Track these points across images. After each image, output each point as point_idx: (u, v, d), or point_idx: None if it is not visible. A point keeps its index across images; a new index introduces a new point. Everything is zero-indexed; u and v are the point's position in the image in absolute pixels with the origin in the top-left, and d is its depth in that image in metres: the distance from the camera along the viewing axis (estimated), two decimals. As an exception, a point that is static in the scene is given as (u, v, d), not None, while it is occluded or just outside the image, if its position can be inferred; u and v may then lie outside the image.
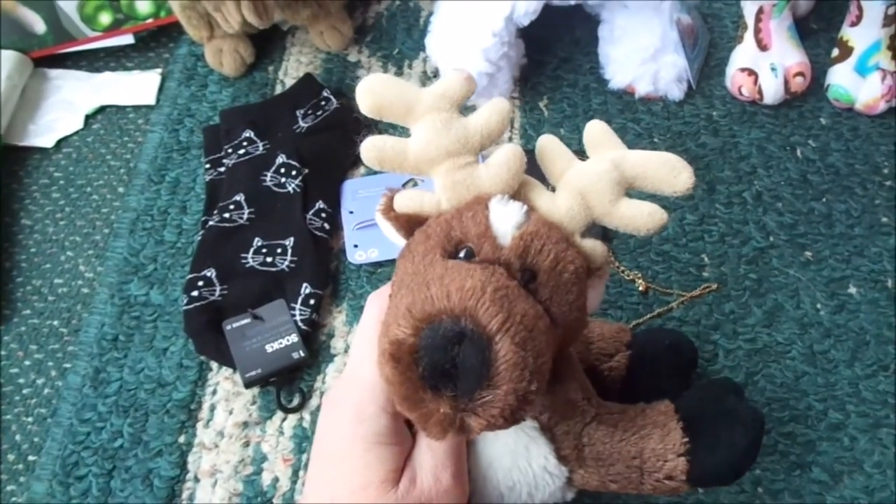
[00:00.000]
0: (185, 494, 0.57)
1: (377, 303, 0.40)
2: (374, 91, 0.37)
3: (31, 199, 0.76)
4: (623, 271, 0.68)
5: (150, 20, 0.86)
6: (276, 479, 0.58)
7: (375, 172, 0.75)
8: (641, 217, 0.37)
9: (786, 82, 0.77)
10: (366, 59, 0.86)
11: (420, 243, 0.36)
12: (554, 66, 0.84)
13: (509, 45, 0.75)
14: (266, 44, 0.87)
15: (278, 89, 0.84)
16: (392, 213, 0.38)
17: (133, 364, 0.64)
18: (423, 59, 0.85)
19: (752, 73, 0.77)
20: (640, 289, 0.67)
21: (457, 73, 0.38)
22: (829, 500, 0.55)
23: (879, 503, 0.55)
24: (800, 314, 0.65)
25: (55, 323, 0.68)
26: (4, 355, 0.66)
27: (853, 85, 0.76)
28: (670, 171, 0.38)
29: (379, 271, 0.69)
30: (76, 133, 0.81)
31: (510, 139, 0.77)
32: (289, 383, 0.62)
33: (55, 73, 0.86)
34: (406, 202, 0.38)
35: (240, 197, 0.71)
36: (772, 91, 0.77)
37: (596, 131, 0.40)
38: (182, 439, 0.60)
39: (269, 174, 0.73)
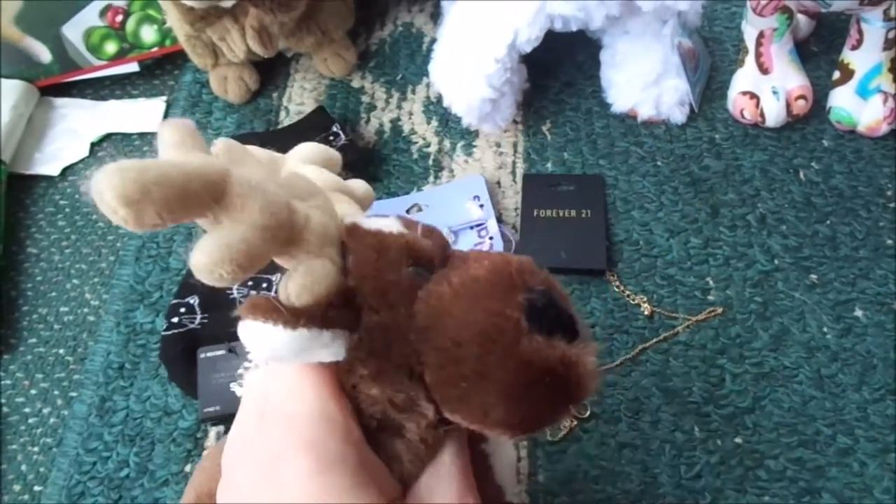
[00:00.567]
0: (191, 525, 0.57)
1: None
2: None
3: (36, 227, 0.77)
4: (628, 295, 0.68)
5: (155, 49, 0.87)
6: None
7: (381, 198, 0.75)
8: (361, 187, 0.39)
9: (787, 105, 0.77)
10: (369, 84, 0.87)
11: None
12: (556, 90, 0.84)
13: (512, 70, 0.75)
14: (270, 70, 0.88)
15: (282, 116, 0.84)
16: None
17: (139, 392, 0.64)
18: (427, 85, 0.86)
19: (753, 96, 0.77)
20: (646, 312, 0.67)
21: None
22: (839, 527, 0.55)
23: (890, 529, 0.55)
24: (806, 338, 0.65)
25: (61, 351, 0.68)
26: (10, 385, 0.66)
27: (855, 108, 0.77)
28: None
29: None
30: (82, 161, 0.82)
31: (513, 163, 0.78)
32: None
33: (61, 101, 0.87)
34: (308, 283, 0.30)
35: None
36: (773, 114, 0.77)
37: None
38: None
39: (270, 202, 0.73)
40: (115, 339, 0.67)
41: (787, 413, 0.61)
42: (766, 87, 0.78)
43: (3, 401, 0.65)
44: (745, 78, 0.79)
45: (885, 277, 0.68)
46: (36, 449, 0.62)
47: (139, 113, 0.85)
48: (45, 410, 0.64)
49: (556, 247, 0.70)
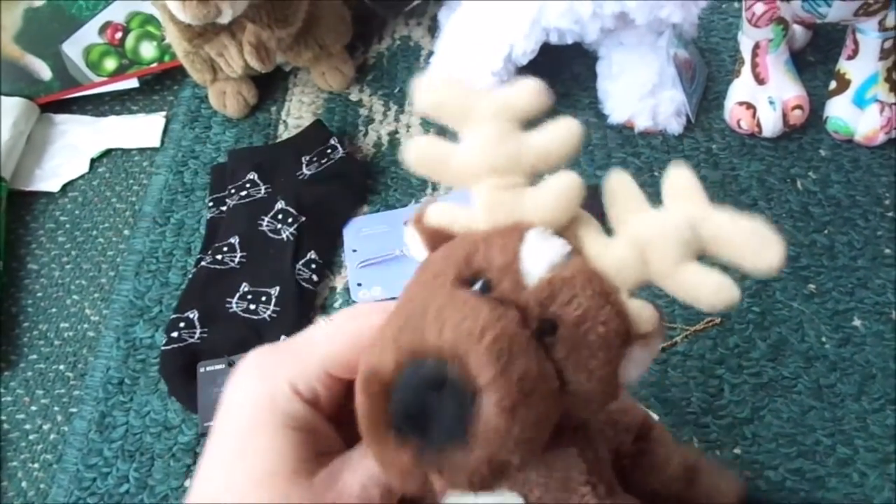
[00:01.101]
0: (190, 540, 0.57)
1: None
2: (433, 88, 0.32)
3: (37, 243, 0.77)
4: (626, 307, 0.68)
5: (154, 64, 0.88)
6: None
7: (379, 210, 0.76)
8: (706, 289, 0.31)
9: (784, 115, 0.77)
10: (367, 98, 0.87)
11: (436, 261, 0.31)
12: (553, 101, 0.85)
13: (508, 83, 0.75)
14: (268, 85, 0.89)
15: (281, 130, 0.85)
16: (421, 224, 0.33)
17: (139, 408, 0.64)
18: (424, 98, 0.86)
19: (750, 106, 0.78)
20: (644, 324, 0.66)
21: (529, 83, 0.33)
22: (839, 538, 0.55)
23: (891, 540, 0.55)
24: (805, 347, 0.65)
25: (61, 367, 0.68)
26: (11, 401, 0.66)
27: (852, 117, 0.77)
28: (759, 243, 0.31)
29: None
30: (82, 177, 0.82)
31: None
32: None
33: (61, 118, 0.87)
34: (438, 214, 0.33)
35: (234, 240, 0.72)
36: (770, 124, 0.77)
37: (680, 180, 0.33)
38: (188, 483, 0.60)
39: (266, 219, 0.73)
40: (114, 354, 0.67)
41: (787, 423, 0.61)
42: (763, 97, 0.78)
43: (4, 417, 0.65)
44: (741, 88, 0.79)
45: (883, 287, 0.68)
46: (36, 465, 0.62)
47: (139, 128, 0.86)
48: (46, 427, 0.64)
49: (553, 258, 0.70)
